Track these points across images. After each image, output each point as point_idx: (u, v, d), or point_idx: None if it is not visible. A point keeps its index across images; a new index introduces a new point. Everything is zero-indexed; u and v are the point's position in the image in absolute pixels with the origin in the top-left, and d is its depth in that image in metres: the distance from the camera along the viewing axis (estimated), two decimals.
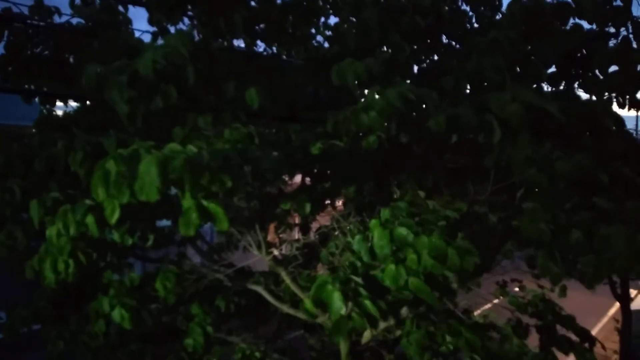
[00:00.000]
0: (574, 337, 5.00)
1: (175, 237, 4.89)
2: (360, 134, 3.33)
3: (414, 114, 3.16)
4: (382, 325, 3.94)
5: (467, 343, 3.82)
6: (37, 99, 4.69)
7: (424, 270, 2.94)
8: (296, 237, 6.06)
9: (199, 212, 2.52)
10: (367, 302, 2.91)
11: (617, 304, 10.97)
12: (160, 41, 4.10)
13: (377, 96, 3.13)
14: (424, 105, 3.23)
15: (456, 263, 2.89)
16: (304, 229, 5.34)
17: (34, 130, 4.62)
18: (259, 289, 4.88)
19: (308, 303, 3.06)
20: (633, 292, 12.59)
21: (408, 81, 4.23)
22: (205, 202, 2.53)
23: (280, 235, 5.85)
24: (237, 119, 3.42)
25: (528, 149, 3.24)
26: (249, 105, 3.50)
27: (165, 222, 4.22)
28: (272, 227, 5.66)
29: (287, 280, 4.68)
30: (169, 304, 4.46)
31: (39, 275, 3.27)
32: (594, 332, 14.92)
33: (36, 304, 4.81)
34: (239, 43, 4.46)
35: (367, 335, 4.43)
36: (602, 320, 15.75)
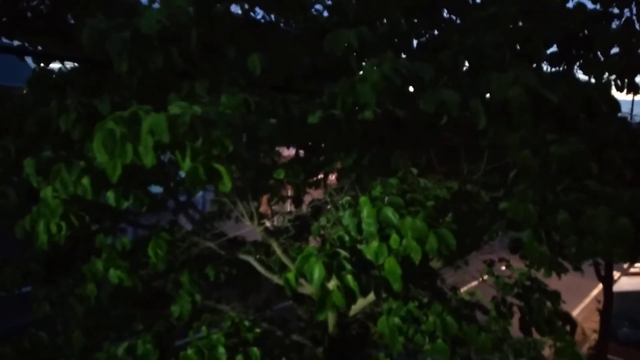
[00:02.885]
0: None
1: (168, 204, 4.88)
2: (357, 108, 3.30)
3: (408, 89, 3.13)
4: (363, 301, 3.98)
5: (443, 326, 3.89)
6: (30, 58, 4.58)
7: (404, 252, 2.99)
8: (288, 209, 6.08)
9: (204, 169, 2.50)
10: (349, 277, 2.95)
11: (600, 286, 11.20)
12: (157, 4, 4.00)
13: (374, 68, 3.09)
14: (417, 83, 3.21)
15: (434, 248, 2.95)
16: (297, 201, 5.35)
17: (24, 91, 4.54)
18: (250, 259, 4.91)
19: (291, 275, 3.10)
20: (616, 275, 12.87)
21: (404, 55, 4.18)
22: (208, 163, 2.51)
23: (273, 207, 5.86)
24: (235, 85, 3.37)
25: (524, 131, 3.24)
26: (249, 72, 3.45)
27: (158, 189, 4.21)
28: (264, 198, 5.66)
29: (278, 251, 4.71)
30: (160, 270, 4.48)
31: (28, 236, 3.27)
32: (576, 312, 15.31)
33: (27, 265, 4.81)
34: (236, 10, 4.36)
35: (354, 307, 4.50)
36: (585, 301, 16.11)
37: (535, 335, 5.20)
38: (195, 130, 2.36)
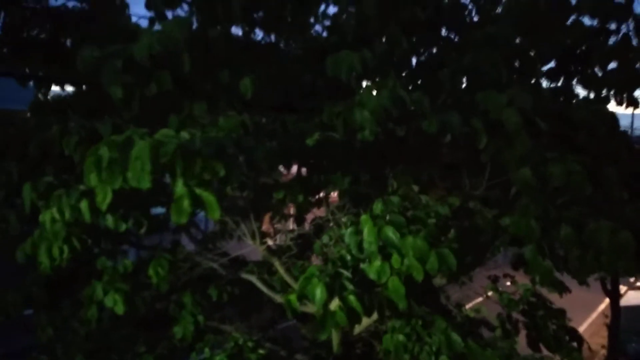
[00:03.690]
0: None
1: (170, 224, 4.88)
2: (357, 128, 3.32)
3: (406, 114, 3.17)
4: (367, 320, 3.95)
5: (448, 343, 3.85)
6: (32, 83, 4.64)
7: (406, 270, 2.98)
8: (291, 227, 6.06)
9: (191, 200, 2.51)
10: (352, 298, 2.93)
11: (607, 300, 11.07)
12: (157, 27, 4.06)
13: (374, 92, 3.13)
14: (413, 108, 3.25)
15: (435, 267, 2.95)
16: (299, 219, 5.34)
17: (28, 114, 4.58)
18: (253, 279, 4.89)
19: (293, 297, 3.08)
20: (623, 289, 12.73)
21: (404, 74, 4.21)
22: (197, 190, 2.52)
23: (275, 226, 5.85)
24: (233, 107, 3.40)
25: (522, 149, 3.25)
26: (242, 95, 3.48)
27: (160, 210, 4.23)
28: (266, 217, 5.66)
29: (281, 270, 4.69)
30: (162, 291, 4.46)
31: (30, 260, 3.26)
32: (583, 327, 15.10)
33: (29, 288, 4.80)
34: (237, 31, 4.42)
35: (359, 326, 4.45)
36: (592, 316, 15.91)
37: (544, 352, 5.13)
38: (179, 158, 2.38)
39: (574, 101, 4.47)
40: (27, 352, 4.86)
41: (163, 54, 3.12)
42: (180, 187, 2.49)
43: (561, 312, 5.18)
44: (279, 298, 4.78)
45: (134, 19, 4.61)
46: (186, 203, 2.51)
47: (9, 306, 4.84)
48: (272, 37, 4.64)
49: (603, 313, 13.96)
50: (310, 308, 4.02)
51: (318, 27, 4.76)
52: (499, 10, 4.70)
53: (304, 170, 4.25)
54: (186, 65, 3.19)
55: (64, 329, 4.74)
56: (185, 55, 3.18)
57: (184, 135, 2.45)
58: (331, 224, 4.69)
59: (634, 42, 4.21)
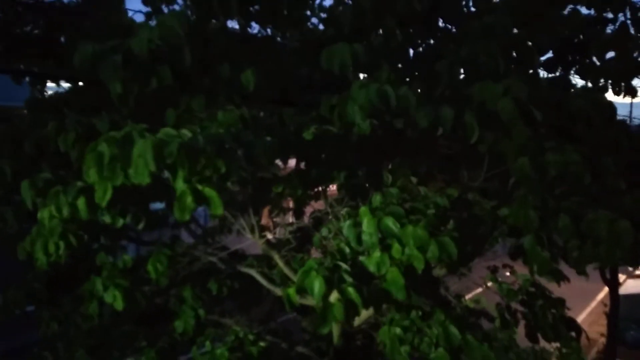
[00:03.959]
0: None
1: (169, 219, 4.88)
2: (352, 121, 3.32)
3: (396, 108, 3.17)
4: (367, 312, 3.96)
5: (446, 336, 3.86)
6: (27, 80, 4.62)
7: (406, 260, 2.98)
8: (290, 221, 6.07)
9: (193, 196, 2.51)
10: (351, 290, 2.94)
11: (606, 289, 11.13)
12: (153, 21, 4.03)
13: (364, 86, 3.13)
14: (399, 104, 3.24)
15: (436, 256, 2.96)
16: (298, 213, 5.35)
17: (24, 111, 4.56)
18: (252, 272, 4.90)
19: (292, 290, 3.09)
20: (621, 277, 12.80)
21: (401, 66, 4.19)
22: (199, 186, 2.52)
23: (274, 219, 5.85)
24: (231, 101, 3.39)
25: (520, 139, 3.25)
26: (243, 88, 3.47)
27: (159, 205, 4.23)
28: (266, 210, 5.66)
29: (280, 263, 4.70)
30: (162, 286, 4.47)
31: (31, 257, 3.27)
32: (582, 316, 15.19)
33: (30, 285, 4.81)
34: (233, 24, 4.39)
35: (359, 318, 4.47)
36: (591, 305, 16.01)
37: (543, 344, 5.15)
38: (183, 157, 2.38)
39: (572, 91, 4.47)
40: (29, 348, 4.87)
41: (162, 48, 3.09)
42: (181, 184, 2.48)
43: (560, 302, 5.19)
44: (278, 291, 4.80)
45: (129, 14, 4.58)
46: (189, 200, 2.51)
47: (10, 303, 4.85)
48: (269, 31, 4.62)
49: (602, 302, 14.06)
50: (309, 301, 4.03)
51: (314, 20, 4.74)
52: (496, 0, 4.69)
53: (302, 163, 4.24)
54: (187, 60, 3.16)
55: (66, 324, 4.76)
56: (186, 48, 3.15)
57: (186, 133, 2.44)
58: (330, 217, 4.69)
59: (631, 30, 4.19)
